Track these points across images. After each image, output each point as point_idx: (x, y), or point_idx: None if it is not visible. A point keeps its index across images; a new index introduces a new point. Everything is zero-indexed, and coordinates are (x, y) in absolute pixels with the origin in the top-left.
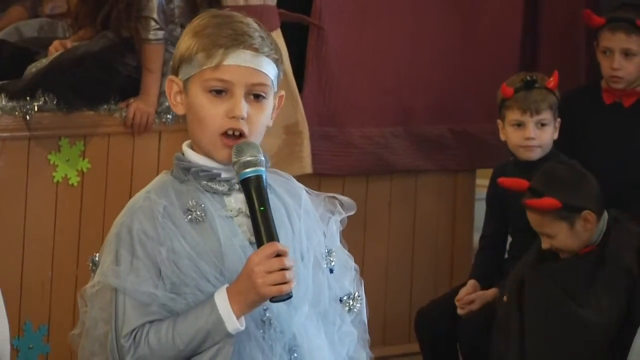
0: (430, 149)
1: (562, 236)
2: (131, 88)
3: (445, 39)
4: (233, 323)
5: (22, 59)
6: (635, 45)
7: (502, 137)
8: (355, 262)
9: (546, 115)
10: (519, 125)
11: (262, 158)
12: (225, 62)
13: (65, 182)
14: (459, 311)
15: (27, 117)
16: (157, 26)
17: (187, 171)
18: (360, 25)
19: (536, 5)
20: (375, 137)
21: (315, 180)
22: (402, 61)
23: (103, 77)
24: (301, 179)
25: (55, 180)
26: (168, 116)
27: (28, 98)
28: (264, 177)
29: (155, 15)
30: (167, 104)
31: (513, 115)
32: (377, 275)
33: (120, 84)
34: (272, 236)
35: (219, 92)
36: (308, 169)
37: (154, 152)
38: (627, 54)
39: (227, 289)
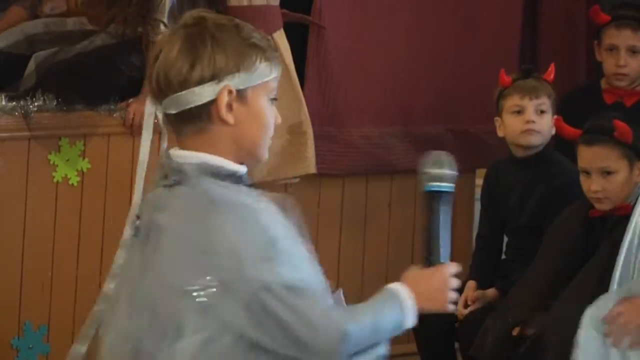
0: (430, 149)
1: (619, 177)
2: (134, 88)
3: (444, 39)
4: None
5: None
6: None
7: (500, 134)
8: (355, 261)
9: (544, 101)
10: (519, 112)
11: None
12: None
13: (65, 182)
14: (459, 315)
15: (27, 117)
16: (166, 30)
17: (238, 178)
18: (360, 25)
19: (535, 5)
20: (374, 137)
21: (315, 180)
22: (401, 61)
23: (105, 75)
24: (303, 178)
25: (55, 180)
26: None
27: (28, 98)
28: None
29: (165, 19)
30: None
31: (512, 101)
32: (376, 275)
33: (123, 84)
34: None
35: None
36: (312, 168)
37: (153, 152)
38: (633, 51)
39: (410, 290)
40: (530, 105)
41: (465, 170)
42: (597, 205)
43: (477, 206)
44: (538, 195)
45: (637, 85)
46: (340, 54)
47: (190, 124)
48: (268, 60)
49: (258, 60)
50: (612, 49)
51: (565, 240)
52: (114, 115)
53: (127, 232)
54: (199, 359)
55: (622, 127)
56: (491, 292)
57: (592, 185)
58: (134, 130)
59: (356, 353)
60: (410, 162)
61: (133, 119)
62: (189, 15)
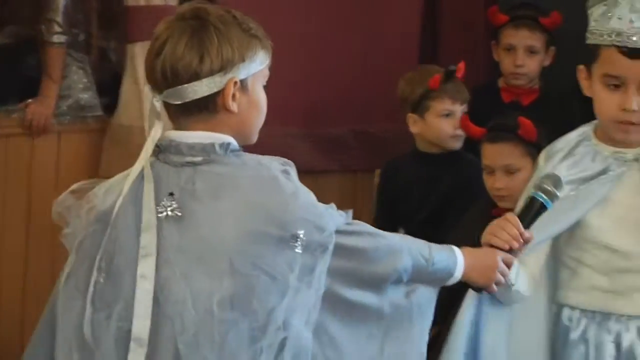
0: (332, 149)
1: (523, 175)
2: (32, 89)
3: (345, 41)
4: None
5: None
6: (538, 42)
7: (415, 130)
8: None
9: (466, 107)
10: (448, 115)
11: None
12: None
13: None
14: None
15: None
16: (60, 30)
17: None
18: (264, 25)
19: (434, 6)
20: (278, 137)
21: None
22: (304, 62)
23: (2, 76)
24: None
25: None
26: (67, 117)
27: None
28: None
29: (59, 18)
30: (66, 106)
31: (443, 105)
32: None
33: (20, 85)
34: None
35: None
36: None
37: (53, 153)
38: (530, 50)
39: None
40: (459, 110)
41: (366, 170)
42: (500, 203)
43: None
44: (441, 190)
45: (534, 85)
46: None
47: (196, 113)
48: (265, 48)
49: (258, 50)
50: (510, 48)
51: (469, 241)
52: (13, 116)
53: (151, 214)
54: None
55: (526, 124)
56: None
57: (495, 183)
58: (32, 131)
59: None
60: (311, 163)
61: (32, 119)
62: (187, 7)
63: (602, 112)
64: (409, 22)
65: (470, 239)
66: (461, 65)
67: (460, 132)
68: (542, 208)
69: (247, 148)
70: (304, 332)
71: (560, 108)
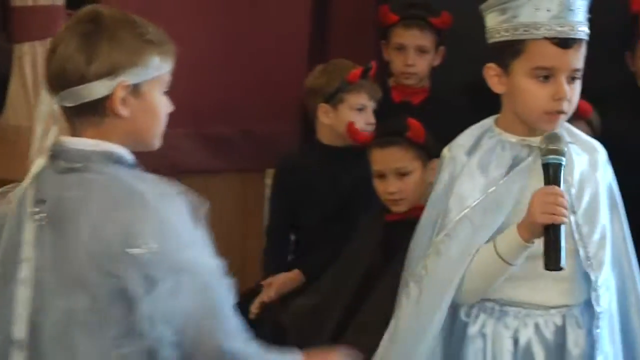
0: (220, 149)
1: (414, 177)
2: None
3: (234, 39)
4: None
5: None
6: (428, 42)
7: (326, 121)
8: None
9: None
10: (361, 109)
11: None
12: None
13: None
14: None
15: None
16: None
17: (133, 166)
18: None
19: (324, 5)
20: (167, 137)
21: None
22: (192, 61)
23: None
24: None
25: None
26: None
27: None
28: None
29: None
30: None
31: (359, 99)
32: None
33: None
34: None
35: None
36: None
37: None
38: (421, 50)
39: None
40: (371, 106)
41: (255, 170)
42: (394, 208)
43: (267, 207)
44: (345, 184)
45: (423, 84)
46: None
47: (87, 116)
48: (163, 54)
49: (153, 56)
50: (401, 48)
51: (366, 250)
52: None
53: (29, 220)
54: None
55: (415, 126)
56: (295, 274)
57: (388, 187)
58: None
59: None
60: (200, 163)
61: None
62: (83, 10)
63: (531, 105)
64: (298, 22)
65: (365, 250)
66: (373, 64)
67: (368, 127)
68: (559, 167)
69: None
70: (168, 339)
71: (449, 107)
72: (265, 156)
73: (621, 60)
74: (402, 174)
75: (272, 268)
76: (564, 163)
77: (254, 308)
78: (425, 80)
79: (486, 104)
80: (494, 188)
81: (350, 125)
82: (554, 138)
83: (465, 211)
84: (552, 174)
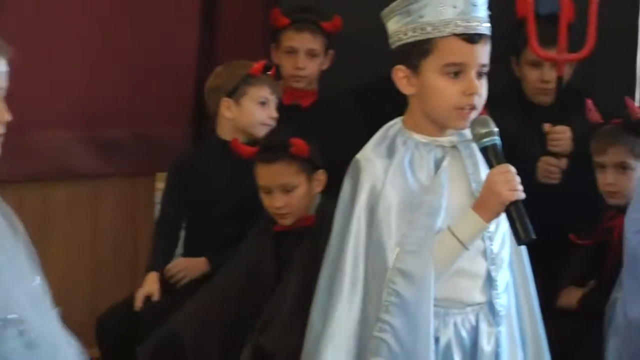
0: (111, 153)
1: (300, 191)
2: None
3: (124, 43)
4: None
5: None
6: (319, 46)
7: (228, 115)
8: (36, 270)
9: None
10: (264, 103)
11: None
12: None
13: None
14: (137, 308)
15: None
16: None
17: None
18: (37, 27)
19: (213, 7)
20: (55, 141)
21: None
22: (82, 64)
23: None
24: None
25: None
26: None
27: None
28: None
29: None
30: None
31: (262, 92)
32: (58, 282)
33: None
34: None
35: None
36: None
37: None
38: (311, 54)
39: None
40: (273, 101)
41: (146, 174)
42: (281, 221)
43: (158, 209)
44: (247, 180)
45: (312, 87)
46: (19, 53)
47: None
48: None
49: None
50: (291, 51)
51: (254, 259)
52: None
53: None
54: None
55: (298, 143)
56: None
57: (274, 203)
58: None
59: None
60: (91, 167)
61: None
62: None
63: (443, 102)
64: (188, 25)
65: (252, 258)
66: (273, 69)
67: (271, 121)
68: (496, 146)
69: (19, 152)
70: None
71: (338, 109)
72: (156, 159)
73: (507, 66)
74: (287, 189)
75: (158, 264)
76: (498, 142)
77: (138, 302)
78: (314, 84)
79: (373, 106)
80: (428, 194)
81: (234, 141)
82: (482, 122)
83: (412, 222)
84: (494, 155)
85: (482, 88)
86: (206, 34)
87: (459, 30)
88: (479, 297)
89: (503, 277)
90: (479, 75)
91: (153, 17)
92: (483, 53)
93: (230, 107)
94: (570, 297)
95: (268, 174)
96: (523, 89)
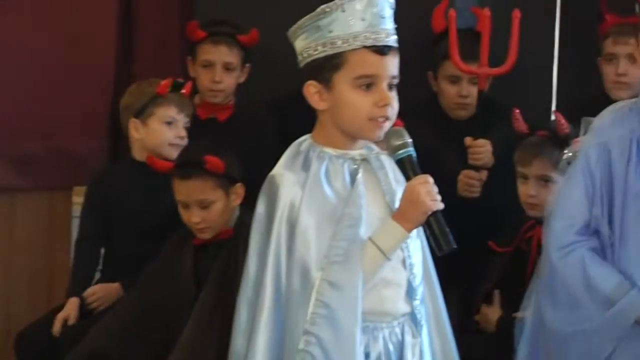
0: (27, 166)
1: (218, 206)
2: None
3: (40, 54)
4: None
5: None
6: (235, 59)
7: (136, 136)
8: None
9: (188, 119)
10: (170, 123)
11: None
12: None
13: None
14: (55, 332)
15: None
16: None
17: None
18: None
19: (130, 20)
20: None
21: None
22: (0, 78)
23: None
24: None
25: None
26: None
27: None
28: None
29: None
30: None
31: (168, 112)
32: None
33: None
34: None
35: None
36: None
37: None
38: (227, 67)
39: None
40: (182, 121)
41: (63, 188)
42: (199, 235)
43: (75, 224)
44: (163, 201)
45: (229, 101)
46: None
47: None
48: None
49: None
50: (208, 64)
51: (174, 273)
52: None
53: None
54: None
55: (212, 160)
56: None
57: (191, 218)
58: None
59: None
60: (5, 181)
61: None
62: None
63: (357, 114)
64: (105, 39)
65: (171, 272)
66: (187, 85)
67: (179, 140)
68: (412, 157)
69: None
70: None
71: (255, 123)
72: (73, 174)
73: (424, 80)
74: (205, 205)
75: (75, 287)
76: (413, 153)
77: (57, 325)
78: (231, 97)
79: (291, 118)
80: (348, 206)
81: (150, 157)
82: (395, 134)
83: (336, 234)
84: (410, 166)
85: (394, 99)
86: (124, 48)
87: (369, 42)
88: (403, 307)
89: (420, 288)
90: (390, 87)
91: (70, 31)
92: (393, 65)
93: (138, 128)
94: (489, 318)
95: (184, 190)
96: (440, 103)
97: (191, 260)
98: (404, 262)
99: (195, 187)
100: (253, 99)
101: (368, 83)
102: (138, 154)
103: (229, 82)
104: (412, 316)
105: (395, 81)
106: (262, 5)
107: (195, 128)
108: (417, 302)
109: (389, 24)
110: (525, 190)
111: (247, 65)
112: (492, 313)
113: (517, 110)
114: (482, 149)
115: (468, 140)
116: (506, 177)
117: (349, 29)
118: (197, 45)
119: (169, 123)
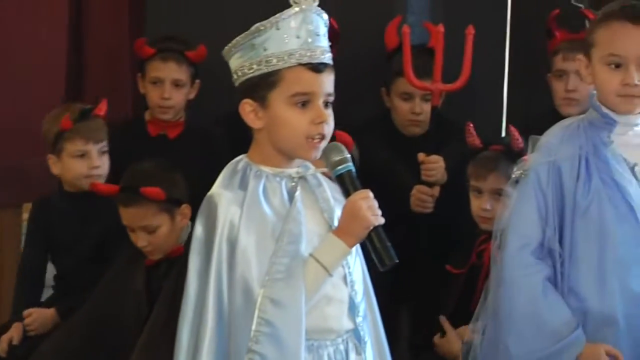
0: None
1: (164, 230)
2: None
3: None
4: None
5: None
6: (185, 76)
7: (55, 171)
8: None
9: (105, 144)
10: (82, 155)
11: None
12: None
13: None
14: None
15: None
16: None
17: None
18: None
19: (80, 37)
20: None
21: None
22: None
23: None
24: None
25: None
26: None
27: None
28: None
29: None
30: None
31: (76, 146)
32: None
33: None
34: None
35: None
36: None
37: None
38: (176, 84)
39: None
40: (95, 149)
41: (12, 205)
42: (149, 257)
43: (24, 240)
44: (95, 228)
45: (180, 118)
46: None
47: None
48: None
49: None
50: (157, 81)
51: (127, 289)
52: None
53: None
54: None
55: (150, 191)
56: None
57: (138, 242)
58: None
59: None
60: None
61: None
62: None
63: (293, 132)
64: (55, 56)
65: (121, 288)
66: (102, 105)
67: (94, 171)
68: (351, 172)
69: None
70: None
71: (206, 139)
72: (22, 191)
73: (376, 96)
74: (149, 230)
75: (17, 313)
76: (352, 168)
77: (2, 345)
78: (182, 114)
79: (242, 134)
80: (288, 223)
81: (92, 184)
82: (333, 150)
83: (277, 251)
84: (350, 181)
85: (330, 117)
86: (74, 65)
87: (304, 60)
88: (347, 323)
89: (362, 304)
90: (326, 104)
91: (20, 48)
92: (328, 82)
93: (55, 163)
94: (448, 349)
95: (128, 216)
96: (393, 119)
97: (143, 279)
98: (345, 278)
99: (138, 213)
100: (204, 115)
101: (304, 101)
102: (66, 186)
103: (178, 98)
104: (356, 332)
105: (331, 99)
106: (212, 20)
107: (146, 145)
108: (359, 319)
109: (324, 42)
110: (479, 204)
111: (197, 81)
112: (449, 343)
113: (471, 125)
114: (435, 165)
115: (421, 156)
116: (459, 193)
117: (284, 46)
118: (146, 62)
119: (80, 156)
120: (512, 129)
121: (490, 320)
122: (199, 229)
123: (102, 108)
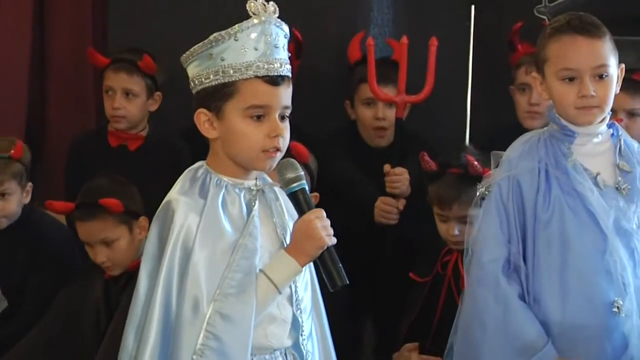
0: None
1: (122, 243)
2: None
3: None
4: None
5: None
6: (137, 86)
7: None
8: None
9: (9, 186)
10: (2, 195)
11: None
12: None
13: None
14: None
15: None
16: None
17: None
18: None
19: (43, 49)
20: None
21: None
22: None
23: None
24: None
25: None
26: None
27: None
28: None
29: None
30: None
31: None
32: None
33: None
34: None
35: None
36: None
37: None
38: (127, 94)
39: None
40: (8, 187)
41: None
42: (109, 272)
43: None
44: (21, 258)
45: (141, 130)
46: None
47: None
48: None
49: None
50: (110, 91)
51: (85, 302)
52: None
53: None
54: None
55: (108, 203)
56: None
57: (97, 257)
58: None
59: None
60: None
61: None
62: None
63: (247, 145)
64: (16, 65)
65: (79, 301)
66: (18, 146)
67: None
68: (305, 191)
69: None
70: None
71: (168, 151)
72: None
73: (341, 108)
74: (108, 243)
75: None
76: (306, 186)
77: None
78: (143, 125)
79: (206, 146)
80: (244, 237)
81: (47, 202)
82: (287, 166)
83: (231, 265)
84: (304, 199)
85: (286, 130)
86: (36, 77)
87: (261, 72)
88: (288, 343)
89: (308, 323)
90: (282, 117)
91: None
92: (286, 95)
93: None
94: None
95: (86, 231)
96: (359, 131)
97: (101, 292)
98: (290, 298)
99: (96, 227)
100: (168, 127)
101: (259, 114)
102: None
103: (131, 109)
104: (296, 347)
105: (288, 112)
106: (176, 32)
107: (106, 156)
108: (302, 337)
109: (283, 54)
110: (447, 229)
111: (158, 93)
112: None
113: (424, 153)
114: (399, 177)
115: (387, 167)
116: (423, 205)
117: (241, 57)
118: (102, 72)
119: (1, 195)
120: (468, 156)
121: (462, 335)
122: (153, 232)
123: (16, 150)
